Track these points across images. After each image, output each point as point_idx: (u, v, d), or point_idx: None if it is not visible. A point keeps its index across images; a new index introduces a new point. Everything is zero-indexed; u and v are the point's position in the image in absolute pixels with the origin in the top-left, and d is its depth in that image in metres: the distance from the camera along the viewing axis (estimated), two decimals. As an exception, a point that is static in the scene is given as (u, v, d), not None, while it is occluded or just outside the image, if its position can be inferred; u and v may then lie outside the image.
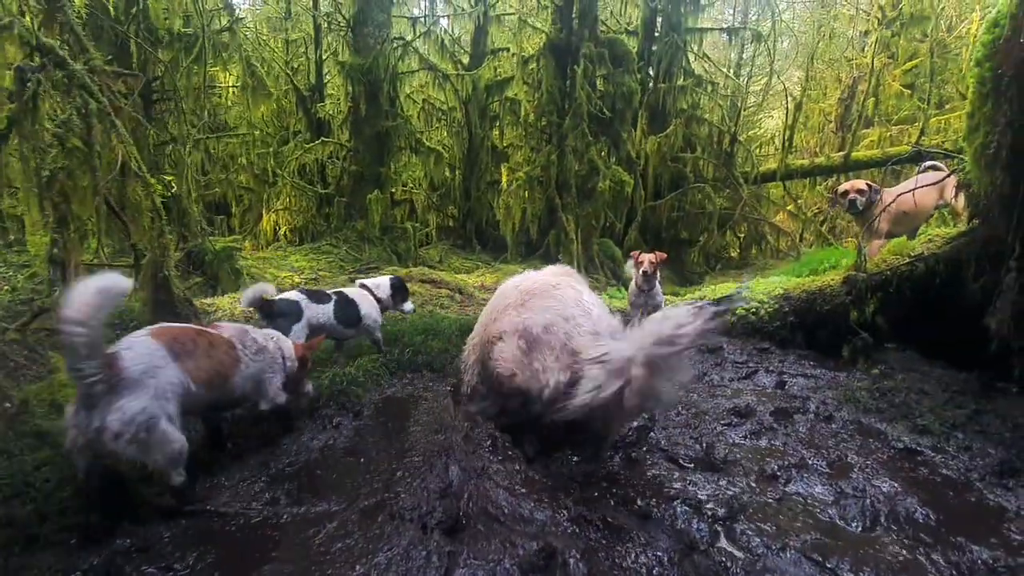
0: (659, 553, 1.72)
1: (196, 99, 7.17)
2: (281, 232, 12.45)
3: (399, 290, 4.16)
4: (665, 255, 4.93)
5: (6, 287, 4.83)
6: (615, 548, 1.74)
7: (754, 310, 4.99)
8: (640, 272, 4.74)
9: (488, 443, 2.57)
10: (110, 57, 4.06)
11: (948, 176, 4.71)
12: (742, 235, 11.18)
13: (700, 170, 10.44)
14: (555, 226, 8.76)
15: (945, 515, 2.04)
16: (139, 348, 1.89)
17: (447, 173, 12.42)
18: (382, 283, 4.11)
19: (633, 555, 1.71)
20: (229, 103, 12.18)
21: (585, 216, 8.60)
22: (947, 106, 11.77)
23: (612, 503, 2.03)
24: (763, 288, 5.17)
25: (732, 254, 11.81)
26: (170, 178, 8.78)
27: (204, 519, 1.91)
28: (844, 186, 5.40)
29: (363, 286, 3.98)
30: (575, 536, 1.82)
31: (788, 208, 11.15)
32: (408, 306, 4.27)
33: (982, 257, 3.85)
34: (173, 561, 1.67)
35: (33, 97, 2.28)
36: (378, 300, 3.90)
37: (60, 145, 2.50)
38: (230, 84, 8.97)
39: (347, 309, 3.61)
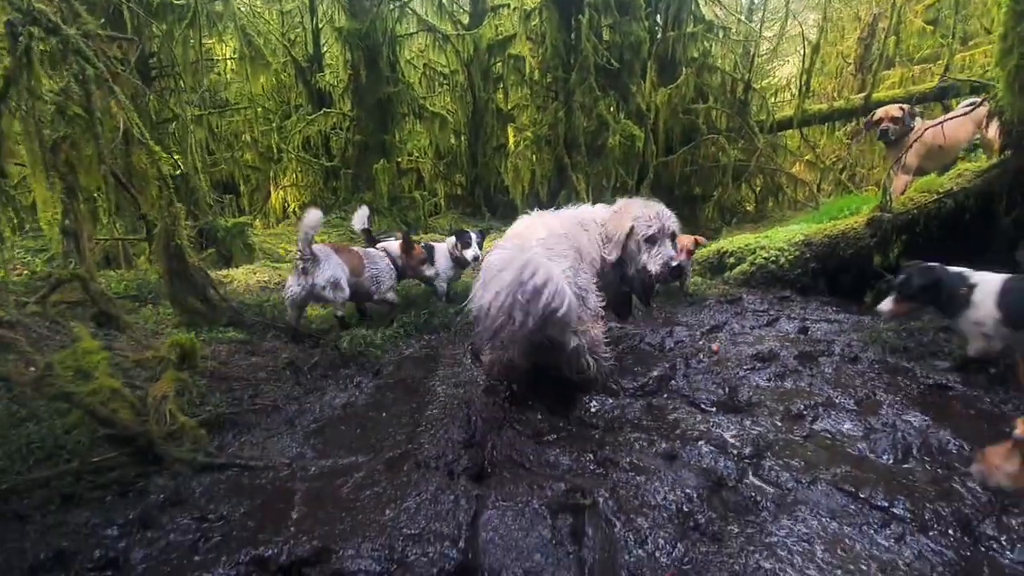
0: (687, 490, 1.71)
1: (194, 73, 7.04)
2: (291, 209, 12.42)
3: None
4: (705, 240, 4.82)
5: (25, 271, 4.90)
6: (643, 487, 1.73)
7: (773, 259, 4.87)
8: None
9: (506, 394, 2.57)
10: (103, 21, 3.97)
11: (982, 105, 4.45)
12: (758, 188, 10.86)
13: (713, 121, 10.08)
14: (565, 186, 8.57)
15: (980, 445, 1.99)
16: (321, 249, 3.42)
17: (452, 139, 12.20)
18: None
19: (662, 493, 1.70)
20: (228, 78, 12.00)
21: (596, 174, 8.40)
22: (971, 42, 11.14)
23: (636, 446, 2.01)
24: (783, 236, 5.03)
25: (748, 207, 11.51)
26: (177, 157, 8.78)
27: (234, 473, 1.94)
28: (878, 113, 5.10)
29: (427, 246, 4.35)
30: (602, 477, 1.82)
31: (806, 157, 10.78)
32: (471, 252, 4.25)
33: (1015, 189, 3.68)
34: (207, 512, 1.70)
35: (26, 52, 2.21)
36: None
37: (60, 114, 2.46)
38: (227, 56, 8.78)
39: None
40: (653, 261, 2.72)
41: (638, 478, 1.79)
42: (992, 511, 1.62)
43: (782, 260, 4.81)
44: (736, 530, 1.52)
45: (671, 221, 2.80)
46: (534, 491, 1.70)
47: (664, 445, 2.00)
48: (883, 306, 2.82)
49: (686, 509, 1.63)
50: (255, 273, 4.16)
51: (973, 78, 5.00)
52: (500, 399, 2.50)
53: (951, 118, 4.59)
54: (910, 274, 2.77)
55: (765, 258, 4.91)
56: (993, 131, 4.47)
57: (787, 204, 10.59)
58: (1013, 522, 1.56)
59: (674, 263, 2.74)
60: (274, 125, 12.12)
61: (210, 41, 8.80)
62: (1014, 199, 3.68)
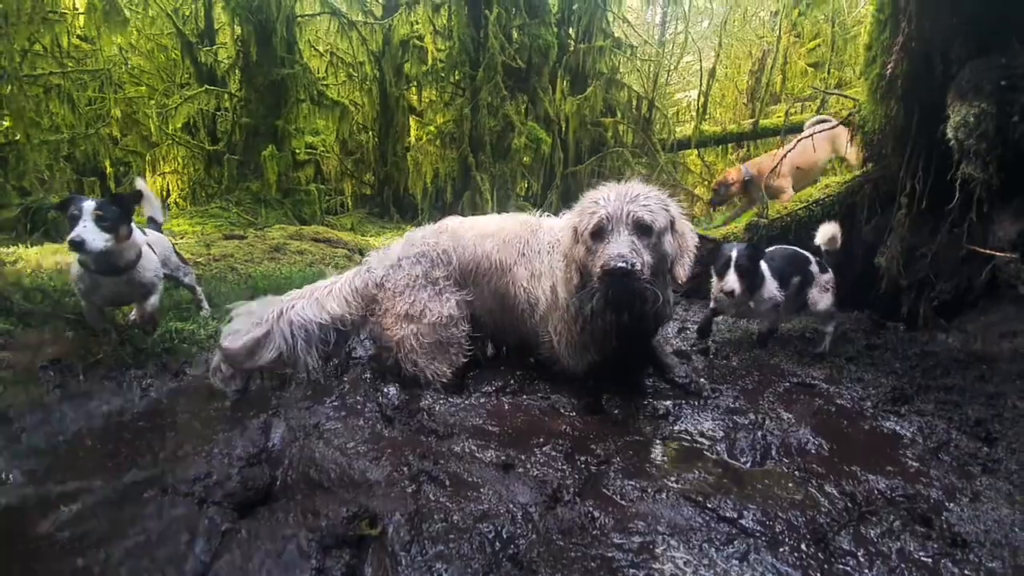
0: (514, 509, 1.37)
1: (29, 22, 5.89)
2: (171, 199, 11.00)
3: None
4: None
5: None
6: (459, 506, 1.37)
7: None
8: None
9: (342, 395, 2.12)
10: None
11: (837, 126, 4.74)
12: (660, 202, 11.27)
13: (620, 135, 10.34)
14: (469, 186, 8.28)
15: (839, 445, 1.86)
16: None
17: (362, 136, 11.52)
18: None
19: (479, 513, 1.34)
20: (81, 34, 10.39)
21: (501, 176, 8.18)
22: (845, 87, 12.49)
23: (469, 455, 1.65)
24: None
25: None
26: (7, 123, 7.36)
27: None
28: (716, 180, 6.06)
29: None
30: (411, 496, 1.43)
31: (701, 175, 11.39)
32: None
33: (875, 198, 3.86)
34: None
35: None
36: None
37: None
38: (75, 10, 7.52)
39: None
40: (596, 265, 1.85)
41: (458, 495, 1.43)
42: (850, 520, 1.44)
43: (670, 264, 4.79)
44: (554, 559, 1.19)
45: (637, 204, 1.86)
46: (306, 520, 1.26)
47: (502, 453, 1.66)
48: (731, 284, 2.76)
49: (505, 534, 1.28)
50: (55, 253, 3.33)
51: (844, 93, 5.36)
52: (326, 403, 2.04)
53: (804, 138, 4.90)
54: (740, 251, 2.82)
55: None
56: (853, 151, 4.78)
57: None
58: (871, 533, 1.38)
59: (621, 263, 1.73)
60: (153, 104, 10.75)
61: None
62: (874, 208, 3.86)
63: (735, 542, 1.27)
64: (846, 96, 4.29)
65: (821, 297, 3.13)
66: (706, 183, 11.79)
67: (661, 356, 2.49)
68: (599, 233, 1.89)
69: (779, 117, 11.67)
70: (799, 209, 4.27)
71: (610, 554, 1.22)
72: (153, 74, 11.34)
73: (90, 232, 2.17)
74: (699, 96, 11.61)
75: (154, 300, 2.56)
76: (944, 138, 2.60)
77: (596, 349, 2.14)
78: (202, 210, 8.80)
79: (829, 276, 3.20)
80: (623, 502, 1.43)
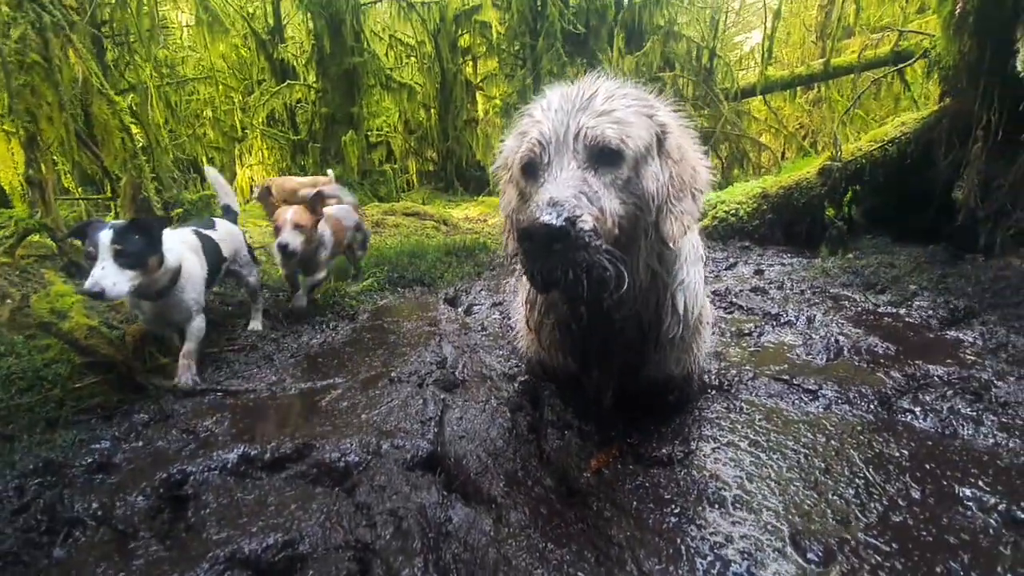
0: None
1: (150, 40, 6.80)
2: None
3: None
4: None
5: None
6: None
7: (733, 211, 5.08)
8: None
9: (480, 329, 2.71)
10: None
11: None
12: (724, 155, 11.13)
13: (680, 89, 10.24)
14: (536, 154, 8.65)
15: (904, 347, 2.21)
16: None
17: (422, 113, 12.09)
18: None
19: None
20: (185, 53, 11.58)
21: (565, 141, 8.49)
22: (929, 11, 11.51)
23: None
24: (741, 190, 5.24)
25: (714, 176, 11.82)
26: (136, 130, 8.49)
27: (216, 398, 2.03)
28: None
29: None
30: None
31: (768, 122, 11.06)
32: None
33: (951, 133, 3.93)
34: (192, 426, 1.79)
35: None
36: None
37: (19, 63, 2.41)
38: (183, 24, 8.45)
39: None
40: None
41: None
42: (910, 390, 1.83)
43: (741, 212, 5.03)
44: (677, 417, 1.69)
45: (593, 113, 1.21)
46: (493, 393, 1.84)
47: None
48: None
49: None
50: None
51: (921, 30, 5.21)
52: (474, 332, 2.63)
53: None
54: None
55: (725, 211, 5.12)
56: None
57: (752, 170, 10.90)
58: (927, 398, 1.77)
59: (546, 217, 1.05)
60: (236, 102, 11.80)
61: (164, 7, 8.47)
62: (951, 143, 3.93)
63: (819, 400, 1.72)
64: (921, 33, 4.27)
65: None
66: (774, 130, 11.48)
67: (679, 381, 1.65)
68: (530, 167, 1.26)
69: (853, 53, 11.07)
70: (874, 149, 4.36)
71: (721, 408, 1.71)
72: (227, 73, 12.37)
73: (110, 276, 1.82)
74: (763, 39, 11.16)
75: (195, 328, 2.20)
76: (1016, 71, 2.74)
77: (562, 354, 1.59)
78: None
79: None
80: (726, 382, 1.90)
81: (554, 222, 1.02)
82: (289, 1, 10.66)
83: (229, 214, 2.95)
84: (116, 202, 3.02)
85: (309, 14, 9.19)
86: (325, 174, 10.16)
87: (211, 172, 3.14)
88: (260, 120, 11.19)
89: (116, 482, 1.50)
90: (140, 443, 1.69)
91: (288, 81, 10.24)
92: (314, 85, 10.09)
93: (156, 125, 7.99)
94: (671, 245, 1.27)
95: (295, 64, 10.98)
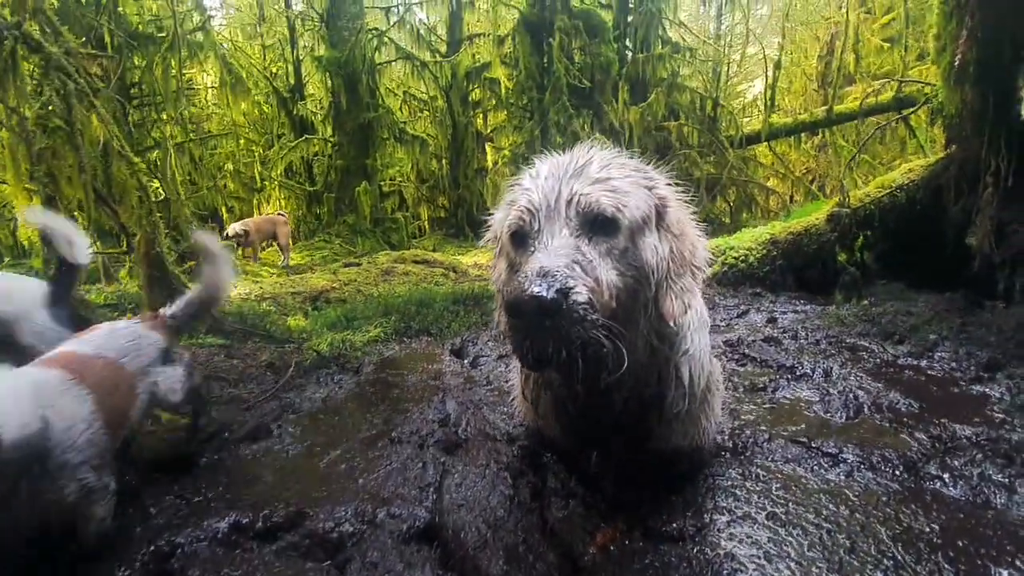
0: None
1: (175, 100, 7.18)
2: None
3: None
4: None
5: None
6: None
7: (743, 257, 5.05)
8: None
9: (485, 382, 2.65)
10: (84, 40, 4.09)
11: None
12: (732, 200, 11.22)
13: (685, 137, 10.47)
14: (544, 202, 8.79)
15: (928, 403, 2.11)
16: None
17: (434, 164, 12.45)
18: None
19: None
20: (210, 110, 12.20)
21: (573, 189, 8.63)
22: (928, 58, 11.80)
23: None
24: (750, 236, 5.23)
25: (724, 220, 11.89)
26: (156, 184, 8.84)
27: (207, 459, 1.98)
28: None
29: None
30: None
31: (774, 167, 11.18)
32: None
33: (960, 180, 3.91)
34: (184, 490, 1.73)
35: (12, 55, 2.32)
36: None
37: (43, 127, 2.55)
38: (208, 86, 8.98)
39: None
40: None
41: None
42: (936, 454, 1.73)
43: (751, 259, 4.99)
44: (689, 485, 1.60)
45: (587, 180, 1.18)
46: (493, 456, 1.77)
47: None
48: None
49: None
50: (235, 286, 4.21)
51: (920, 79, 5.30)
52: (479, 387, 2.57)
53: None
54: None
55: (735, 258, 5.08)
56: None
57: (760, 214, 10.95)
58: (956, 463, 1.67)
59: (535, 288, 0.99)
60: (257, 155, 12.30)
61: (190, 71, 9.01)
62: (960, 188, 3.91)
63: (840, 466, 1.62)
64: (921, 82, 4.34)
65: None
66: (780, 175, 11.58)
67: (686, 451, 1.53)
68: (520, 236, 1.20)
69: (855, 100, 11.27)
70: (883, 195, 4.35)
71: (736, 476, 1.61)
72: (249, 128, 12.95)
73: None
74: (765, 88, 11.46)
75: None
76: (1021, 119, 2.74)
77: (560, 430, 1.54)
78: (309, 244, 9.97)
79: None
80: (740, 443, 1.81)
81: (545, 294, 0.94)
82: (309, 61, 11.27)
83: (67, 272, 2.03)
84: (131, 256, 3.09)
85: (328, 73, 9.67)
86: (342, 223, 10.42)
87: (36, 215, 2.09)
88: (279, 172, 11.61)
89: (103, 552, 1.44)
90: (131, 510, 1.64)
91: (306, 135, 10.67)
92: (331, 139, 10.48)
93: (177, 179, 8.34)
94: (671, 324, 1.21)
95: (313, 119, 11.47)
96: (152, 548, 1.43)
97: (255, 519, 1.54)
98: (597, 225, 1.12)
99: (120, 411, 1.57)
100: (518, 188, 1.26)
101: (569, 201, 1.12)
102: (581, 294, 0.98)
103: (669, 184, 1.30)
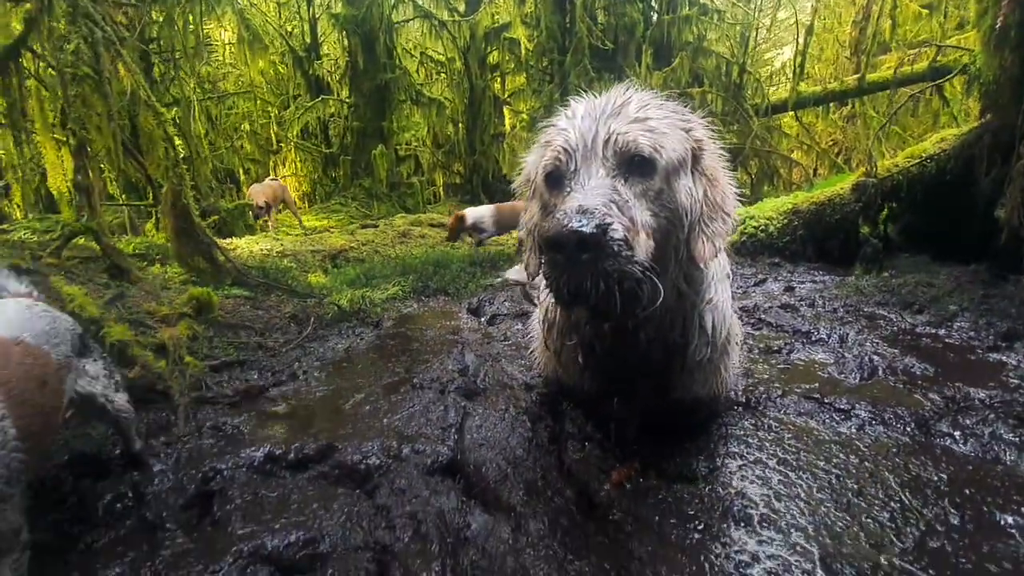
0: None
1: (194, 57, 7.13)
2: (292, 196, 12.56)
3: None
4: None
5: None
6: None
7: (763, 227, 4.99)
8: None
9: (502, 338, 2.71)
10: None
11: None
12: (754, 171, 10.97)
13: (709, 104, 10.17)
14: (561, 169, 8.70)
15: (943, 368, 2.12)
16: None
17: (450, 127, 12.30)
18: None
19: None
20: (227, 68, 12.11)
21: (591, 156, 8.52)
22: (968, 26, 11.21)
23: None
24: (771, 205, 5.15)
25: (745, 192, 11.65)
26: (178, 141, 8.90)
27: (240, 399, 2.08)
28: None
29: None
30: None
31: (799, 138, 10.87)
32: None
33: (993, 150, 3.79)
34: (221, 424, 1.83)
35: None
36: None
37: (72, 74, 2.58)
38: (225, 42, 8.91)
39: None
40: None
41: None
42: (949, 413, 1.75)
43: (771, 228, 4.93)
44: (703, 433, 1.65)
45: (625, 120, 1.18)
46: (512, 402, 1.83)
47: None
48: None
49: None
50: (258, 243, 4.29)
51: (960, 45, 5.06)
52: (496, 342, 2.63)
53: None
54: None
55: (754, 227, 5.03)
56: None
57: (783, 186, 10.70)
58: (967, 421, 1.69)
59: (575, 223, 1.00)
60: (273, 116, 12.24)
61: (208, 27, 8.91)
62: (993, 159, 3.79)
63: (852, 420, 1.66)
64: (960, 48, 4.16)
65: None
66: (804, 146, 11.27)
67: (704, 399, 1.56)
68: (555, 177, 1.20)
69: (889, 69, 10.83)
70: (912, 166, 4.23)
71: (749, 426, 1.66)
72: (265, 88, 12.84)
73: None
74: (795, 54, 11.02)
75: None
76: (1063, 84, 2.63)
77: (583, 378, 1.54)
78: (325, 206, 10.03)
79: None
80: (754, 399, 1.85)
81: (584, 228, 0.96)
82: (325, 19, 11.06)
83: None
84: (157, 208, 3.16)
85: (344, 32, 9.51)
86: (359, 186, 10.41)
87: None
88: (294, 133, 11.57)
89: (147, 476, 1.54)
90: (170, 439, 1.74)
91: (322, 96, 10.57)
92: (347, 100, 10.38)
93: (197, 137, 8.37)
94: (701, 266, 1.22)
95: (329, 80, 11.34)
96: (193, 471, 1.53)
97: (287, 451, 1.63)
98: (634, 165, 1.13)
99: (46, 417, 1.11)
100: (553, 129, 1.25)
101: (607, 141, 1.13)
102: (618, 231, 1.00)
103: (706, 127, 1.30)
